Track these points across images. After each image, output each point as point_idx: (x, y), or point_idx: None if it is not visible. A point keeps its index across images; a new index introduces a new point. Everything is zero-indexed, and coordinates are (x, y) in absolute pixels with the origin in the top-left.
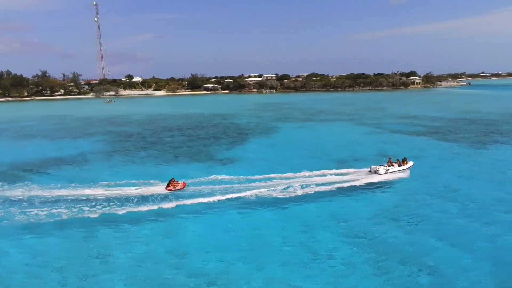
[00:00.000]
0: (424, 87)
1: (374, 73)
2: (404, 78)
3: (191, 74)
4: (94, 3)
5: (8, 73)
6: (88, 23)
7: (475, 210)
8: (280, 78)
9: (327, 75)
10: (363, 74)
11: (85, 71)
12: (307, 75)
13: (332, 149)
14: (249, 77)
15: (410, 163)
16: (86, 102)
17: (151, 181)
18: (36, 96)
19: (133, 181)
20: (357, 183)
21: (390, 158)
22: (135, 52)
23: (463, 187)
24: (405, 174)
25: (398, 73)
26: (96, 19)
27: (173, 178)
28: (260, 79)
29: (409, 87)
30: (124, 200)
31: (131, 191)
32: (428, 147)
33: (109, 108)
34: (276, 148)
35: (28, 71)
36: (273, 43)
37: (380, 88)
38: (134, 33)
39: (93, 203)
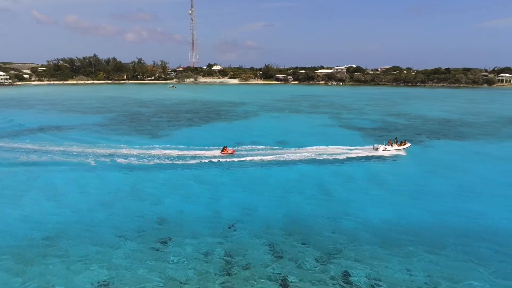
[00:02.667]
0: None
1: (464, 68)
2: (491, 75)
3: (265, 64)
4: None
5: (114, 59)
6: (206, 13)
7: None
8: (353, 70)
9: (409, 69)
10: (447, 69)
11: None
12: (387, 68)
13: (264, 135)
14: (322, 68)
15: (408, 145)
16: (159, 87)
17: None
18: (131, 80)
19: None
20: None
21: (390, 140)
22: (246, 40)
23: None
24: (402, 153)
25: (494, 69)
26: (190, 12)
27: (225, 146)
28: (330, 71)
29: (494, 85)
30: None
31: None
32: (343, 139)
33: (164, 92)
34: (221, 131)
35: (151, 57)
36: (377, 33)
37: (456, 85)
38: (246, 22)
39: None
